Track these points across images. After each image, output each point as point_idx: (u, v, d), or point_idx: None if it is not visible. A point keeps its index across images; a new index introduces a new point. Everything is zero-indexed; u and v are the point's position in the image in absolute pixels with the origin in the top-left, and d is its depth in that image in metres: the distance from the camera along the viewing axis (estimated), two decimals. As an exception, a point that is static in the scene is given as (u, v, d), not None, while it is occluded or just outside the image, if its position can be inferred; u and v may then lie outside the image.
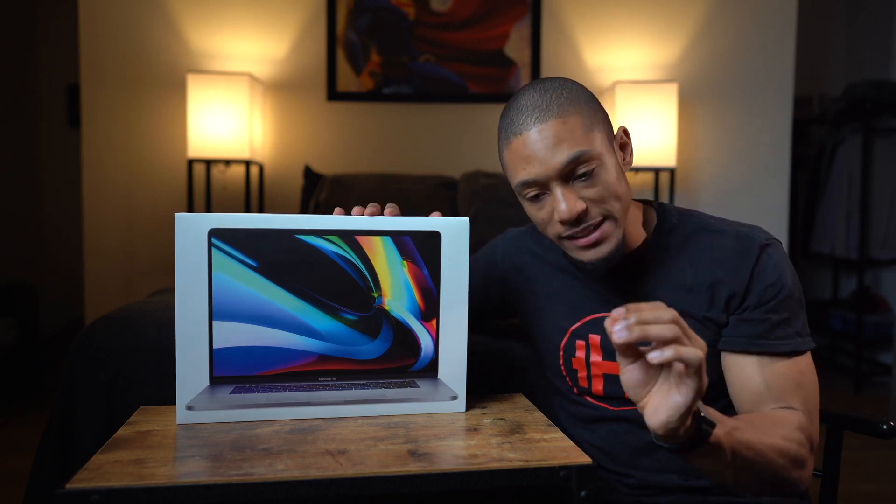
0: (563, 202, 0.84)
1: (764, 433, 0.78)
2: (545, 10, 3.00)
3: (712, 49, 3.04)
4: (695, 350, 0.61)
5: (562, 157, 0.82)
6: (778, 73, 3.04)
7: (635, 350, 0.65)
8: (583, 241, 0.86)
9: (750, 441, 0.75)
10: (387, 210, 0.88)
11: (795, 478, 0.80)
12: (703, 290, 0.89)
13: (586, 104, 0.86)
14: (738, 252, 0.88)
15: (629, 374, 0.66)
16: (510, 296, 1.09)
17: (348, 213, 0.88)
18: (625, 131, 0.92)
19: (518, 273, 1.07)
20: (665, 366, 0.63)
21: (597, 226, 0.86)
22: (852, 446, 1.51)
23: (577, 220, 0.85)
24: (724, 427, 0.72)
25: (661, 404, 0.64)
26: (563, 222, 0.85)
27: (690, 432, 0.67)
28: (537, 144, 0.83)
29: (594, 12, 3.01)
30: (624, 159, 0.91)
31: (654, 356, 0.61)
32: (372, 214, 0.86)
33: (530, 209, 0.90)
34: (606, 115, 0.90)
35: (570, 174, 0.84)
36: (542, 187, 0.86)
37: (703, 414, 0.67)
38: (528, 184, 0.86)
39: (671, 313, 0.62)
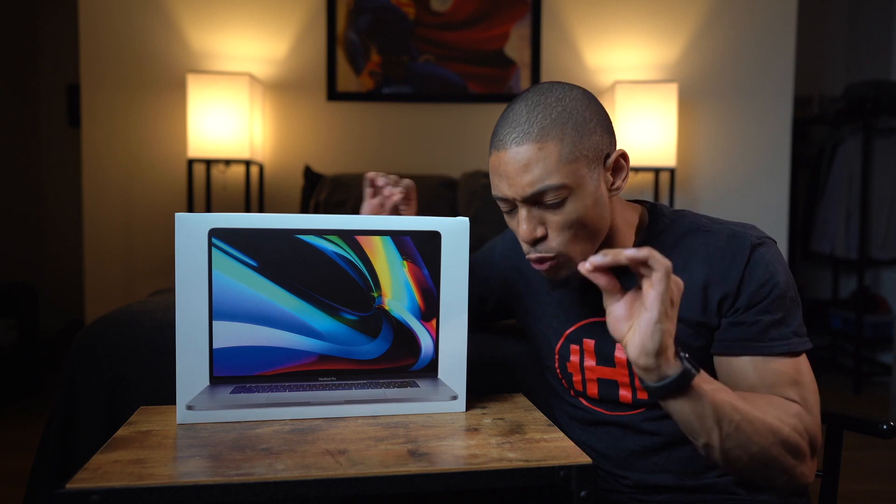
0: (524, 225, 0.85)
1: (755, 407, 0.78)
2: (545, 10, 3.00)
3: (712, 49, 3.03)
4: (663, 261, 0.69)
5: (529, 185, 0.83)
6: (778, 73, 3.04)
7: (618, 285, 0.74)
8: (537, 266, 0.89)
9: (737, 406, 0.76)
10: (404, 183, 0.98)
11: (790, 465, 0.78)
12: (697, 292, 0.88)
13: (575, 127, 0.83)
14: (730, 252, 0.87)
15: (612, 310, 0.74)
16: (508, 297, 1.09)
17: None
18: (623, 155, 0.89)
19: (517, 274, 1.07)
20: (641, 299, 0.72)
21: (550, 258, 0.87)
22: (852, 446, 1.50)
23: (535, 242, 0.87)
24: (709, 382, 0.75)
25: (636, 329, 0.72)
26: (522, 240, 0.88)
27: (673, 371, 0.72)
28: (510, 166, 0.84)
29: (594, 12, 3.01)
30: (613, 184, 0.89)
31: (629, 252, 0.70)
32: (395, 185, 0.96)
33: (506, 217, 0.93)
34: (605, 132, 0.87)
35: (536, 200, 0.84)
36: (511, 205, 0.87)
37: (685, 355, 0.73)
38: (499, 199, 0.88)
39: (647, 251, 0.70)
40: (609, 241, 0.92)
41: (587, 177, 0.84)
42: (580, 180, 0.83)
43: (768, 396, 0.82)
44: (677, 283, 0.72)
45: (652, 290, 0.70)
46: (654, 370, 0.72)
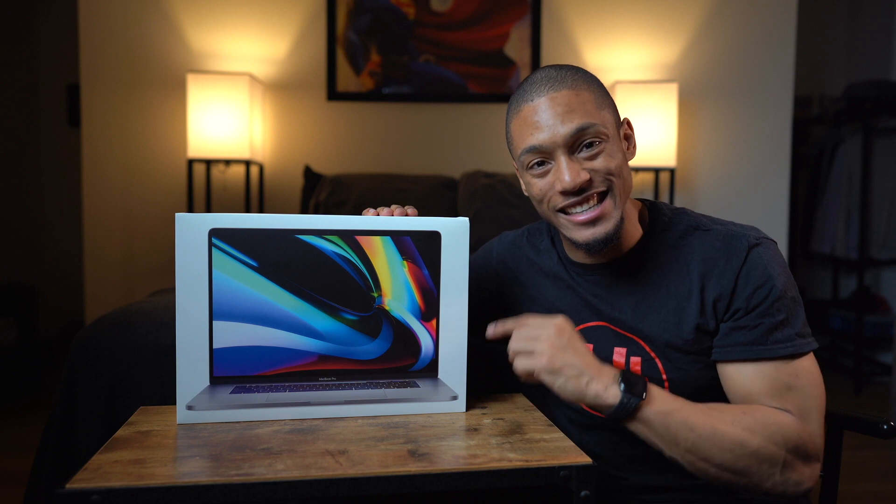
0: (567, 172, 0.84)
1: (722, 421, 0.78)
2: (545, 10, 3.00)
3: (712, 49, 3.03)
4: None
5: (571, 125, 0.84)
6: (778, 73, 3.04)
7: None
8: (582, 218, 0.86)
9: (693, 424, 0.77)
10: (409, 210, 0.91)
11: (768, 474, 0.78)
12: (696, 294, 0.87)
13: (599, 88, 0.89)
14: (726, 253, 0.86)
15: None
16: (505, 300, 1.09)
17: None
18: (628, 123, 0.93)
19: (513, 278, 1.06)
20: None
21: (599, 198, 0.86)
22: (852, 446, 1.51)
23: (579, 190, 0.85)
24: (659, 403, 0.77)
25: None
26: (564, 192, 0.86)
27: (612, 402, 0.77)
28: (548, 112, 0.85)
29: (594, 12, 3.01)
30: (627, 148, 0.92)
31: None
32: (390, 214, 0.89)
33: (530, 179, 0.90)
34: (615, 106, 0.92)
35: (575, 145, 0.85)
36: (546, 155, 0.86)
37: (623, 386, 0.77)
38: (533, 150, 0.86)
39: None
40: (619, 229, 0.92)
41: (615, 131, 0.88)
42: (612, 130, 0.87)
43: (751, 407, 0.81)
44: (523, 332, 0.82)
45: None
46: (595, 406, 0.78)
